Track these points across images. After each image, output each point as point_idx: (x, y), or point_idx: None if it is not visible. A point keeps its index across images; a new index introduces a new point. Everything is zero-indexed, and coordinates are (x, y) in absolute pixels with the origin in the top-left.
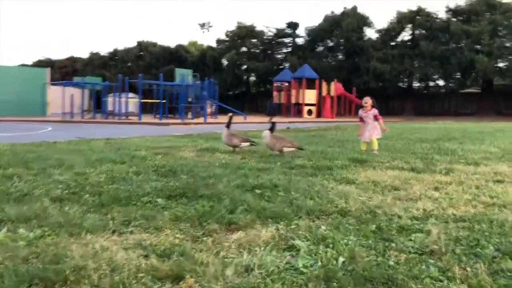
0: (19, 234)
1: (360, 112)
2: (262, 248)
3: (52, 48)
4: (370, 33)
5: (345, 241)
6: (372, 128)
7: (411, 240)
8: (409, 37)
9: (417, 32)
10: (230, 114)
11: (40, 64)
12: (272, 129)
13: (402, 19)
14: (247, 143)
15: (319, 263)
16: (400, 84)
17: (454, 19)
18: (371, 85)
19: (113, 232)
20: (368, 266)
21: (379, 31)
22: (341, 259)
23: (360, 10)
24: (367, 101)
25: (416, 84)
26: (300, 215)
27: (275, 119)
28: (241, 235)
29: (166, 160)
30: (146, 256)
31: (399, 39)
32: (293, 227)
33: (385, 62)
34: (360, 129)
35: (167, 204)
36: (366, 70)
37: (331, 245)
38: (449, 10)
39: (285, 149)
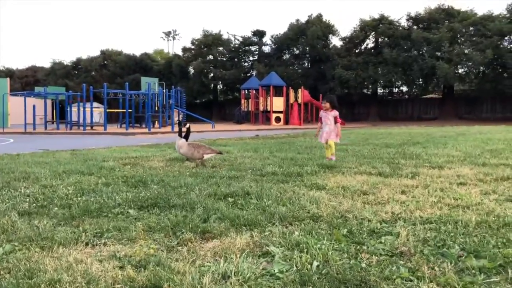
0: None
1: (321, 112)
2: (238, 256)
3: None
4: (335, 41)
5: (319, 245)
6: (330, 130)
7: (381, 242)
8: (373, 45)
9: (380, 39)
10: (188, 125)
11: None
12: (186, 137)
13: (365, 27)
14: (213, 154)
15: (294, 268)
16: (365, 91)
17: (415, 27)
18: (336, 92)
19: (86, 244)
20: (341, 269)
21: (343, 38)
22: (315, 263)
23: (325, 18)
24: (325, 104)
25: (380, 90)
26: (273, 221)
27: (243, 127)
28: (216, 243)
29: (135, 170)
30: (121, 267)
31: (363, 46)
32: (267, 233)
33: (350, 69)
34: (317, 130)
35: (139, 214)
36: (331, 77)
37: (305, 250)
38: (410, 18)
39: (206, 156)
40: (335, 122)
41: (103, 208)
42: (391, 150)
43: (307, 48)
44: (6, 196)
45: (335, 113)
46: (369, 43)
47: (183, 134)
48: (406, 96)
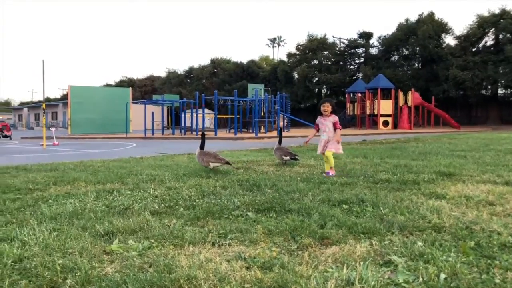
0: (130, 245)
1: (318, 118)
2: (360, 263)
3: (132, 68)
4: (449, 40)
5: (445, 257)
6: (330, 138)
7: None
8: (492, 42)
9: (501, 36)
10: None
11: (122, 83)
12: (202, 145)
13: (484, 24)
14: (288, 157)
15: (420, 279)
16: (483, 92)
17: None
18: (451, 94)
19: (213, 244)
20: (473, 283)
21: (458, 37)
22: (442, 276)
23: (437, 16)
24: (327, 107)
25: (501, 91)
26: (393, 230)
27: (349, 131)
28: (336, 249)
29: (248, 174)
30: (248, 268)
31: (481, 44)
32: (386, 242)
33: (466, 69)
34: (308, 138)
35: (257, 217)
36: (445, 78)
37: (431, 262)
38: None
39: (211, 164)
40: (335, 128)
41: (224, 210)
42: None
43: (418, 49)
44: (138, 196)
45: (335, 118)
46: (488, 40)
47: (201, 141)
48: None
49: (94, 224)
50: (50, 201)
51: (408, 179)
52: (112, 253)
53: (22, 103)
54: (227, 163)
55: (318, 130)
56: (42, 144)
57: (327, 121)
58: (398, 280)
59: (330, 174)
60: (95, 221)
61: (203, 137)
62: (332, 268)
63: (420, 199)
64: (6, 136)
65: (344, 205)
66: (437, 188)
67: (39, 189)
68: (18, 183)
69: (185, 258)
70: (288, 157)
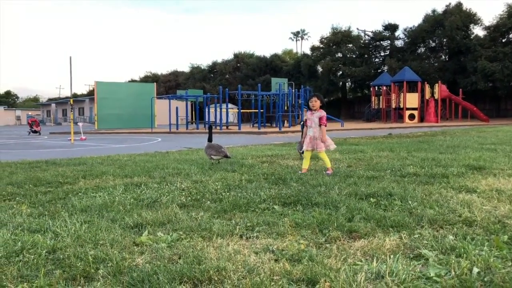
0: (159, 237)
1: (307, 113)
2: (389, 256)
3: (156, 64)
4: (477, 31)
5: (477, 251)
6: (315, 135)
7: None
8: None
9: None
10: (301, 123)
11: (146, 79)
12: (209, 139)
13: None
14: (219, 156)
15: (452, 273)
16: None
17: None
18: (479, 86)
19: (240, 236)
20: (507, 278)
21: (487, 28)
22: (475, 270)
23: (465, 6)
24: (315, 101)
25: None
26: (422, 224)
27: (374, 125)
28: (364, 243)
29: (273, 168)
30: (276, 260)
31: (511, 35)
32: (416, 236)
33: (496, 60)
34: (303, 137)
35: (284, 211)
36: (473, 70)
37: (463, 255)
38: None
39: (214, 157)
40: (320, 124)
41: (250, 203)
42: None
43: (445, 40)
44: (165, 190)
45: (321, 113)
46: None
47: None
48: None
49: (123, 216)
50: (80, 194)
51: (436, 173)
52: (141, 244)
53: (50, 99)
54: (225, 156)
55: (307, 126)
56: (70, 139)
57: (314, 116)
58: (429, 274)
59: (330, 173)
60: (124, 214)
61: (210, 130)
62: (361, 261)
63: (450, 193)
64: (35, 132)
65: (371, 199)
66: (467, 182)
67: (69, 182)
68: (49, 176)
69: (214, 250)
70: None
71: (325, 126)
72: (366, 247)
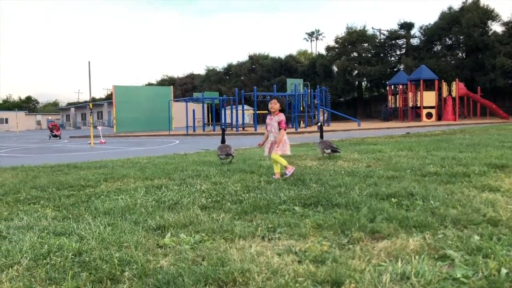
0: (182, 239)
1: (267, 119)
2: (414, 257)
3: (173, 67)
4: (495, 27)
5: (504, 251)
6: (276, 140)
7: None
8: None
9: None
10: (319, 123)
11: (163, 82)
12: (223, 140)
13: None
14: (329, 150)
15: (480, 274)
16: None
17: None
18: (498, 83)
19: (262, 238)
20: None
21: (505, 23)
22: (503, 270)
23: (482, 2)
24: (274, 104)
25: None
26: (446, 224)
27: (391, 124)
28: (388, 243)
29: None
30: (300, 262)
31: None
32: (440, 236)
33: None
34: (264, 139)
35: (304, 212)
36: (492, 67)
37: (490, 256)
38: None
39: (220, 156)
40: (279, 128)
41: (270, 204)
42: None
43: (462, 37)
44: (186, 191)
45: (280, 117)
46: None
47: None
48: None
49: (146, 218)
50: (102, 197)
51: (457, 172)
52: (165, 246)
53: (69, 103)
54: (227, 154)
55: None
56: (90, 143)
57: (273, 121)
58: (456, 275)
59: (277, 177)
60: (146, 216)
61: (223, 132)
62: (385, 262)
63: (472, 192)
64: (55, 136)
65: (392, 199)
66: (490, 181)
67: (91, 185)
68: (71, 180)
69: (237, 252)
70: (329, 150)
71: (285, 130)
72: (389, 248)
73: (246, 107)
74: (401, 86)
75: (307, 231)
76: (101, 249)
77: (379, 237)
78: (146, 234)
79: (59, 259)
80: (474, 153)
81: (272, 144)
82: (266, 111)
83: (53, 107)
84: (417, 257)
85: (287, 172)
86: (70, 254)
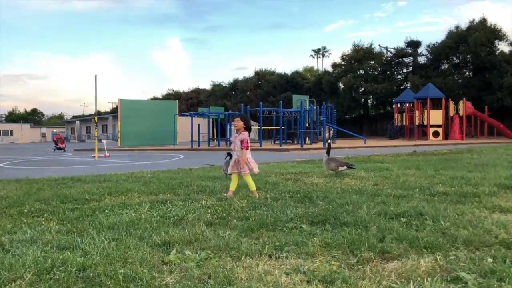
0: (187, 256)
1: (232, 137)
2: (426, 279)
3: (179, 82)
4: (502, 47)
5: None
6: (239, 158)
7: None
8: None
9: None
10: (329, 141)
11: (169, 96)
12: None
13: None
14: (344, 167)
15: None
16: None
17: None
18: (505, 103)
19: (270, 256)
20: None
21: None
22: None
23: (489, 22)
24: (237, 122)
25: None
26: (457, 245)
27: (397, 142)
28: (398, 264)
29: (298, 186)
30: (308, 282)
31: None
32: (452, 258)
33: None
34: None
35: (312, 230)
36: (499, 86)
37: (505, 279)
38: None
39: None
40: (241, 148)
41: (277, 222)
42: None
43: (469, 56)
44: (191, 207)
45: (243, 136)
46: None
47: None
48: None
49: (150, 234)
50: (106, 211)
51: (467, 192)
52: (170, 263)
53: (74, 117)
54: (225, 171)
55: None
56: (94, 156)
57: (237, 140)
58: None
59: (255, 195)
60: (151, 231)
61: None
62: (396, 283)
63: (483, 213)
64: (60, 149)
65: (402, 218)
66: (500, 201)
67: (95, 199)
68: (75, 193)
69: (244, 270)
70: (344, 167)
71: (247, 149)
72: (400, 269)
73: (251, 122)
74: (407, 104)
75: (315, 250)
76: (106, 264)
77: (389, 257)
78: (151, 250)
79: (62, 274)
80: (483, 173)
81: (235, 162)
82: (272, 127)
83: (58, 120)
84: (429, 279)
85: (231, 195)
86: (74, 269)
